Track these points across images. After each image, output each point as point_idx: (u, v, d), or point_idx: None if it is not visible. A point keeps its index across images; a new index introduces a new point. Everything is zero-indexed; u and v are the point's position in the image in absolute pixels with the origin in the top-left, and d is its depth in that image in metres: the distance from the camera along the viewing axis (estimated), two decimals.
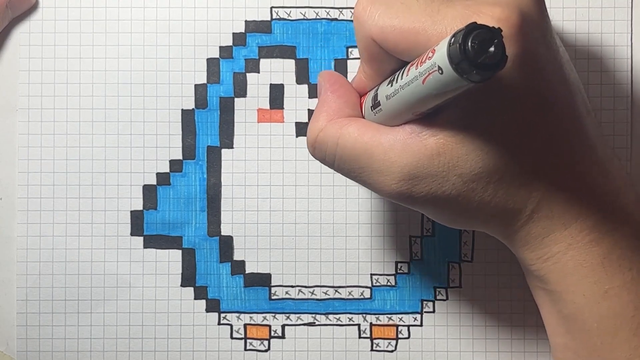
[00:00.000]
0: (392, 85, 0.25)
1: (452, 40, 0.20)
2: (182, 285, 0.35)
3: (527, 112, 0.24)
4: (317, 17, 0.35)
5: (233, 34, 0.35)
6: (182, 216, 0.35)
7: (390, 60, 0.26)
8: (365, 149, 0.25)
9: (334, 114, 0.27)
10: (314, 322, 0.35)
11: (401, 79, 0.24)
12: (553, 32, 0.25)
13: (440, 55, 0.20)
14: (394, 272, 0.35)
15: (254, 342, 0.35)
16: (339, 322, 0.35)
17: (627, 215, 0.26)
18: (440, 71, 0.21)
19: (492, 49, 0.20)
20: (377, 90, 0.26)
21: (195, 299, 0.35)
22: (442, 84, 0.21)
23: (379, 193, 0.26)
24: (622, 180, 0.26)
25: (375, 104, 0.26)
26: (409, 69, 0.23)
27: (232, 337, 0.35)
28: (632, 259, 0.26)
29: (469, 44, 0.19)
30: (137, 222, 0.35)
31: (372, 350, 0.35)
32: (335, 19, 0.35)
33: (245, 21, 0.35)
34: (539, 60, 0.24)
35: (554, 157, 0.25)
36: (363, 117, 0.28)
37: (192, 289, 0.35)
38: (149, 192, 0.35)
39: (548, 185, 0.25)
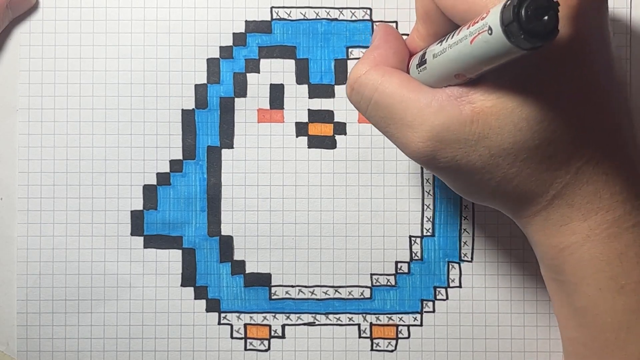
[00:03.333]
0: (440, 44, 0.25)
1: (508, 2, 0.20)
2: (182, 285, 0.35)
3: (565, 99, 0.24)
4: (317, 17, 0.35)
5: (233, 34, 0.35)
6: (182, 216, 0.35)
7: (444, 22, 0.26)
8: (402, 100, 0.25)
9: (381, 60, 0.27)
10: (314, 322, 0.35)
11: (451, 38, 0.24)
12: (609, 27, 0.25)
13: (493, 16, 0.21)
14: (394, 272, 0.35)
15: (254, 342, 0.35)
16: (339, 322, 0.35)
17: None
18: (489, 31, 0.21)
19: (545, 18, 0.20)
20: (426, 49, 0.26)
21: (195, 298, 0.35)
22: (489, 45, 0.21)
23: (403, 149, 0.26)
24: None
25: (422, 62, 0.26)
26: (460, 30, 0.23)
27: (232, 337, 0.35)
28: None
29: (524, 8, 0.20)
30: (137, 222, 0.35)
31: (372, 350, 0.35)
32: (336, 19, 0.35)
33: (246, 21, 0.35)
34: (589, 49, 0.24)
35: (584, 149, 0.25)
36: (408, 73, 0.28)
37: (192, 288, 0.35)
38: (149, 192, 0.35)
39: (573, 175, 0.25)
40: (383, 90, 0.26)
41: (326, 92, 0.35)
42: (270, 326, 0.35)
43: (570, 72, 0.24)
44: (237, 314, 0.35)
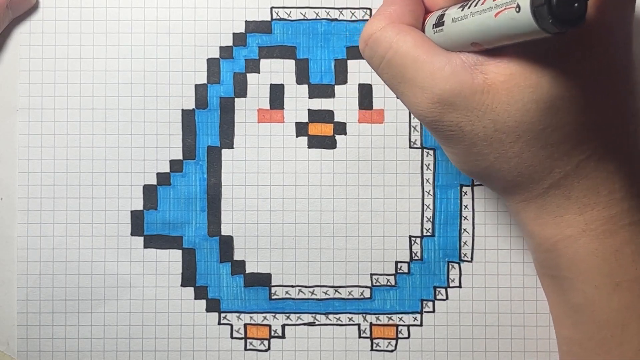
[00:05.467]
0: (462, 10, 0.24)
1: None
2: (182, 285, 0.35)
3: (578, 90, 0.24)
4: (317, 17, 0.35)
5: (233, 34, 0.35)
6: (183, 216, 0.35)
7: None
8: (415, 61, 0.25)
9: (396, 17, 0.27)
10: (314, 322, 0.35)
11: (474, 6, 0.23)
12: (633, 25, 0.25)
13: None
14: (394, 272, 0.35)
15: (254, 342, 0.35)
16: (339, 322, 0.35)
17: None
18: (517, 9, 0.21)
19: (575, 4, 0.20)
20: (445, 10, 0.26)
21: (195, 298, 0.35)
22: (513, 23, 0.21)
23: (410, 107, 0.26)
24: None
25: (439, 23, 0.26)
26: None
27: (232, 337, 0.35)
28: None
29: None
30: (137, 222, 0.35)
31: (372, 350, 0.35)
32: (336, 19, 0.35)
33: (246, 21, 0.35)
34: (611, 45, 0.24)
35: (588, 143, 0.25)
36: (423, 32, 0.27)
37: (192, 288, 0.35)
38: (149, 192, 0.35)
39: (574, 167, 0.25)
40: (397, 49, 0.26)
41: (326, 92, 0.35)
42: (270, 326, 0.35)
43: (589, 64, 0.24)
44: (237, 314, 0.35)
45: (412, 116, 0.35)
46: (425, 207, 0.35)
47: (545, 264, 0.27)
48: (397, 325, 0.35)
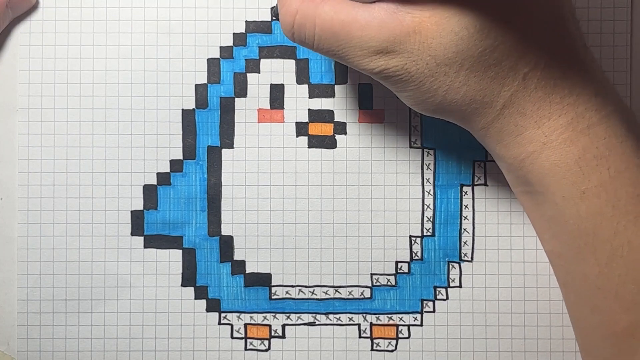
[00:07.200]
0: None
1: None
2: (182, 285, 0.35)
3: (504, 4, 0.24)
4: None
5: (233, 34, 0.35)
6: (183, 216, 0.35)
7: None
8: (343, 26, 0.26)
9: None
10: (314, 322, 0.35)
11: None
12: None
13: None
14: (394, 272, 0.35)
15: (255, 342, 0.35)
16: (339, 322, 0.35)
17: (604, 116, 0.26)
18: None
19: None
20: None
21: (195, 298, 0.35)
22: None
23: (357, 67, 0.27)
24: (600, 82, 0.26)
25: None
26: None
27: (232, 337, 0.35)
28: (609, 158, 0.25)
29: None
30: (137, 222, 0.35)
31: (372, 350, 0.35)
32: None
33: (246, 21, 0.35)
34: None
35: (529, 55, 0.25)
36: None
37: (192, 288, 0.35)
38: (150, 192, 0.35)
39: (521, 81, 0.25)
40: (322, 24, 0.26)
41: (326, 91, 0.35)
42: (270, 326, 0.35)
43: None
44: (237, 314, 0.35)
45: (412, 116, 0.35)
46: (425, 206, 0.35)
47: (517, 182, 0.28)
48: (397, 325, 0.35)
